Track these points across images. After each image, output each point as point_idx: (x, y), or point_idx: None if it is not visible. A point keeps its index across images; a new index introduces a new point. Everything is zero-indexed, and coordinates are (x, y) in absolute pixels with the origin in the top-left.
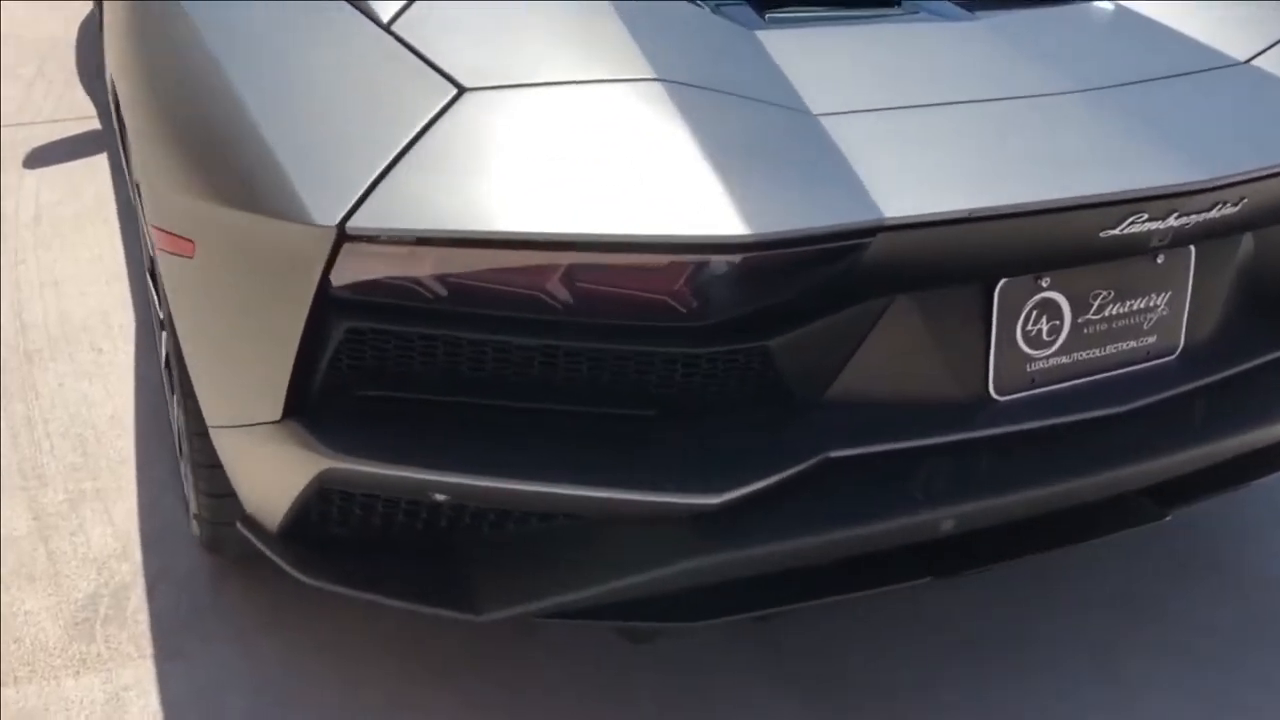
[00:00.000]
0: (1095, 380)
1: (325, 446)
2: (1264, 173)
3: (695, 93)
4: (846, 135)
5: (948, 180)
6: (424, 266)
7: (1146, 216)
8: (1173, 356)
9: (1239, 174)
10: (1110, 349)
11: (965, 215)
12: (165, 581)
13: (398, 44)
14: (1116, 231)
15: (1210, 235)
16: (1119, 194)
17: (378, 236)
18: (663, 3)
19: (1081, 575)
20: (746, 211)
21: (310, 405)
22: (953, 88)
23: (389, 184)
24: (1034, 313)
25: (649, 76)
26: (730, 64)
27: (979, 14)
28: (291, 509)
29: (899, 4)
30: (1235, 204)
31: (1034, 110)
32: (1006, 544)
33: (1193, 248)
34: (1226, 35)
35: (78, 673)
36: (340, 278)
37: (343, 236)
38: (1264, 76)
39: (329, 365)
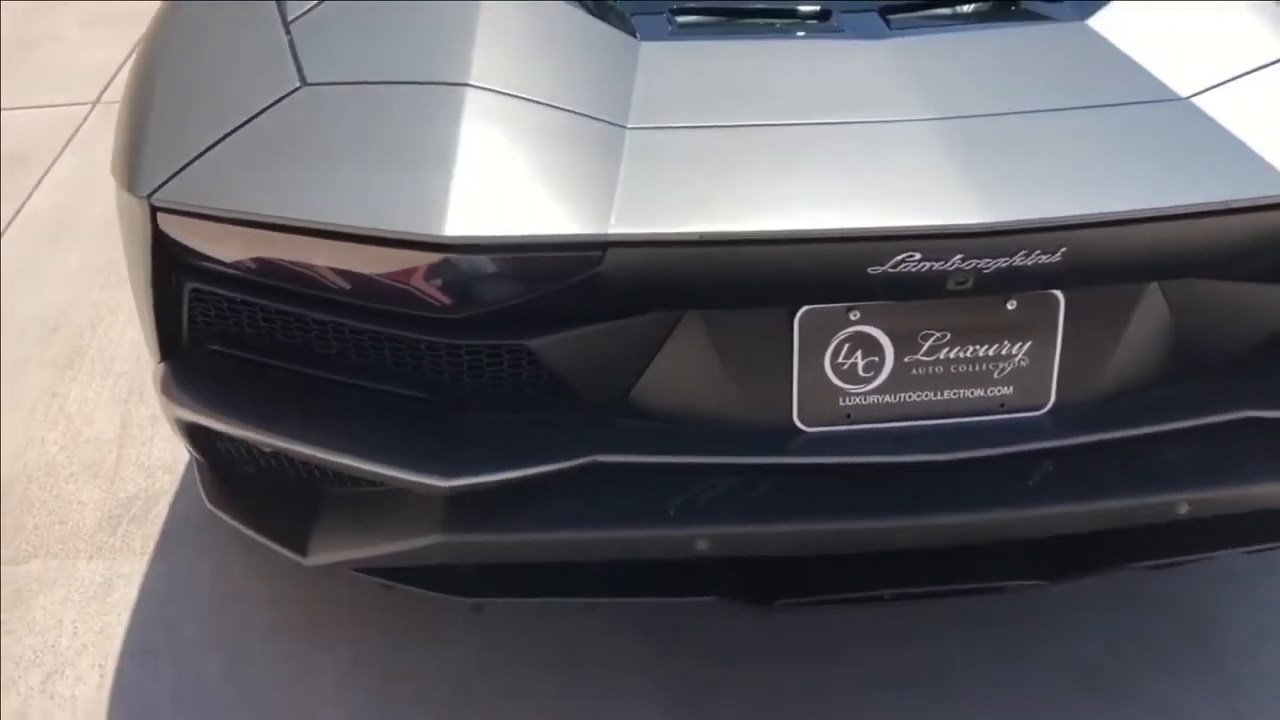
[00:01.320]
0: (927, 425)
1: (173, 395)
2: (1070, 222)
3: (501, 100)
4: (643, 151)
5: (707, 202)
6: (224, 241)
7: (920, 256)
8: (1040, 411)
9: (1028, 222)
10: (948, 394)
11: (694, 238)
12: (186, 497)
13: (286, 40)
14: (888, 269)
15: (1051, 283)
16: (877, 230)
17: (178, 209)
18: (549, 10)
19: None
20: (453, 213)
21: (174, 357)
22: (799, 110)
23: (203, 163)
24: (846, 346)
25: (463, 82)
26: (574, 74)
27: (899, 34)
28: (189, 445)
29: (828, 18)
30: (1052, 252)
31: (866, 138)
32: (844, 581)
33: (1060, 295)
34: (1183, 66)
35: (91, 557)
36: (161, 245)
37: (153, 208)
38: (1184, 116)
39: (188, 322)
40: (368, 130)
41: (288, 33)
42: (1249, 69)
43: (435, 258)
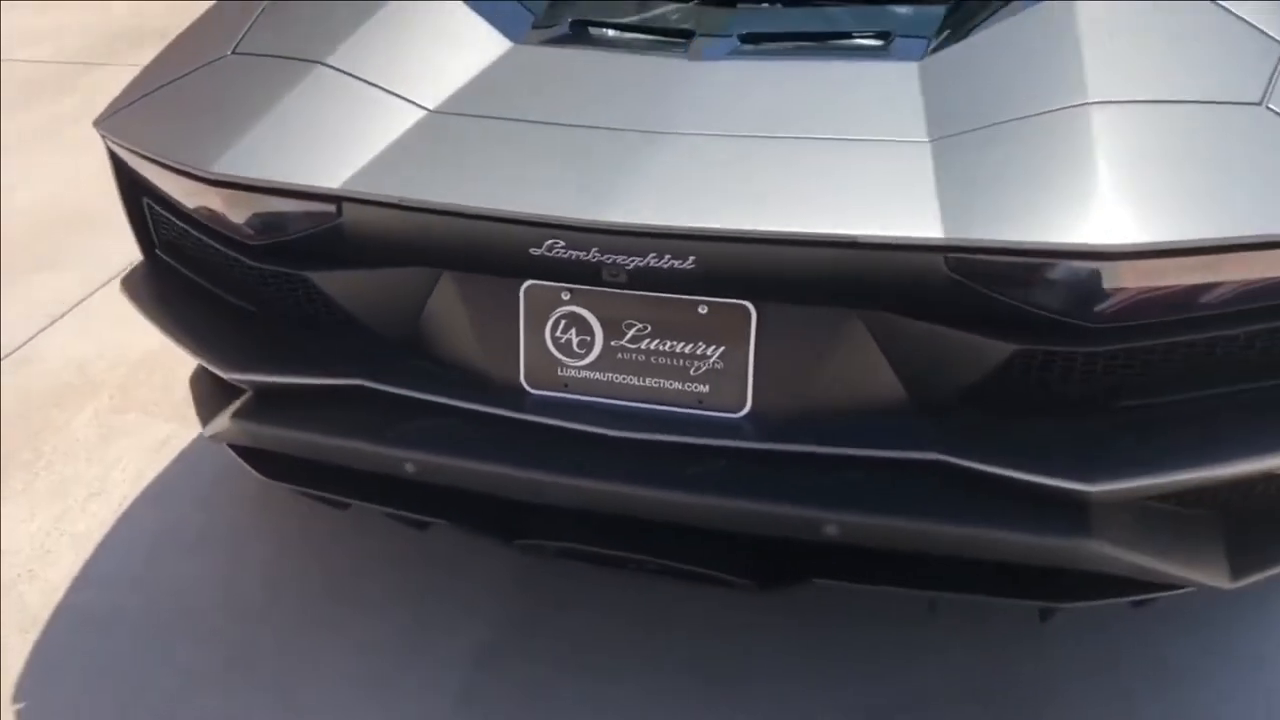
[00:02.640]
0: (632, 406)
1: (127, 288)
2: (700, 233)
3: (334, 76)
4: (423, 129)
5: (446, 177)
6: (140, 166)
7: (564, 244)
8: (736, 414)
9: (654, 227)
10: (650, 381)
11: (396, 202)
12: None
13: (253, 19)
14: (543, 252)
15: (742, 294)
16: (531, 216)
17: (108, 138)
18: (447, 10)
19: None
20: (228, 156)
21: (149, 259)
22: (582, 113)
23: (136, 106)
24: (562, 322)
25: (315, 59)
26: (424, 64)
27: (733, 59)
28: None
29: (689, 38)
30: (682, 260)
31: (612, 140)
32: (582, 536)
33: (751, 307)
34: (960, 110)
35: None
36: (116, 164)
37: (101, 135)
38: (912, 158)
39: (153, 231)
40: (244, 91)
41: (261, 14)
42: (1014, 117)
43: (219, 192)
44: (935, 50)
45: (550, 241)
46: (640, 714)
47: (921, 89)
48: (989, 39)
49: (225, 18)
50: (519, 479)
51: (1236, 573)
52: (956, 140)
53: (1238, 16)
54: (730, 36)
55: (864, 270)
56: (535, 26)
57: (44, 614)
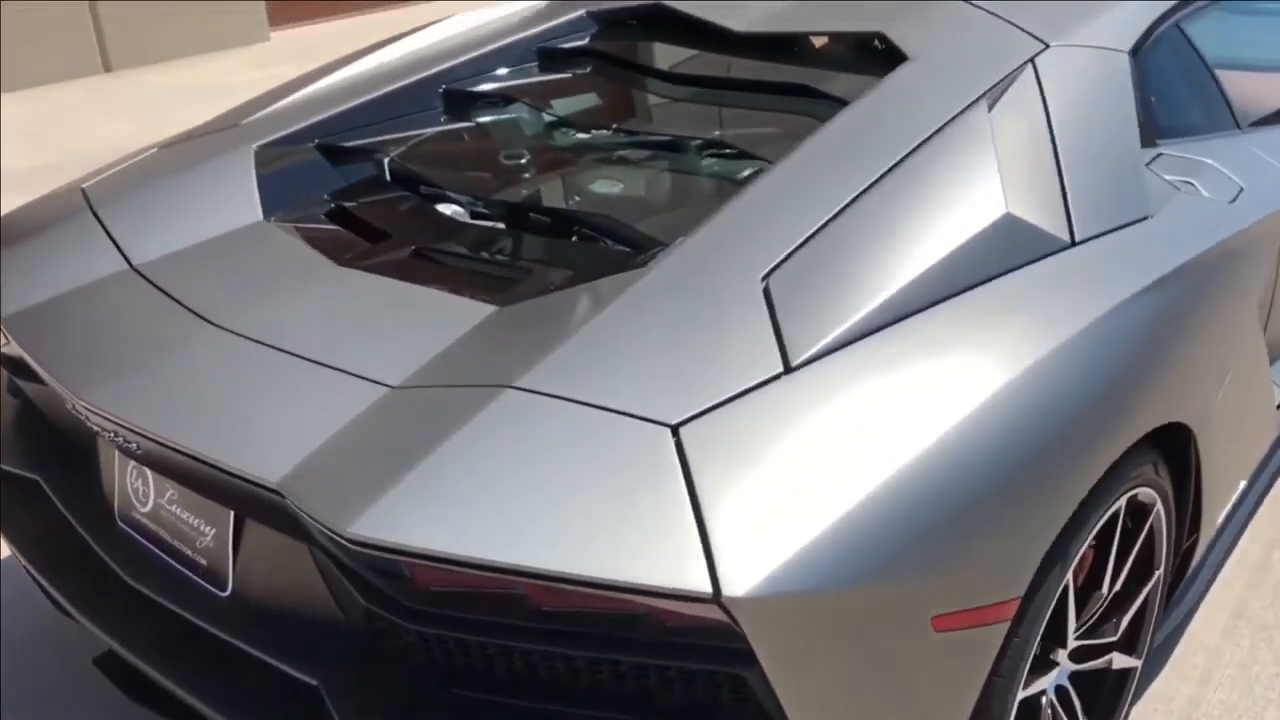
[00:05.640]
0: (165, 560)
1: None
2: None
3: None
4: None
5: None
6: None
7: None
8: (224, 592)
9: (113, 413)
10: (176, 542)
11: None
12: None
13: None
14: (83, 418)
15: (218, 494)
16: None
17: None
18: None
19: None
20: None
21: None
22: (201, 298)
23: None
24: (134, 469)
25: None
26: (147, 219)
27: (380, 267)
28: None
29: (379, 240)
30: (134, 445)
31: (178, 327)
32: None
33: (229, 507)
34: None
35: None
36: None
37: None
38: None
39: None
40: None
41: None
42: (455, 383)
43: None
44: (527, 297)
45: (83, 410)
46: None
47: (469, 335)
48: (556, 303)
49: None
50: (95, 599)
51: None
52: (407, 394)
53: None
54: (406, 249)
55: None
56: (333, 196)
57: None
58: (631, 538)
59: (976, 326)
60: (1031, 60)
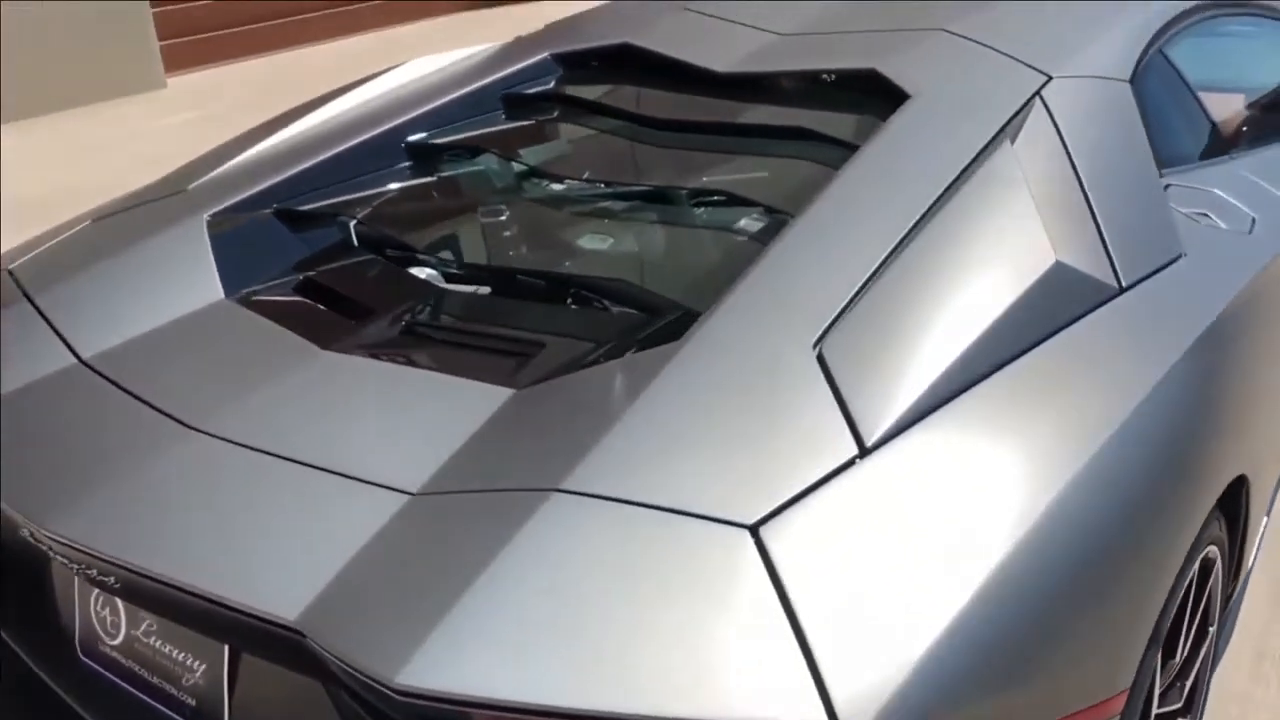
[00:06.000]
0: (143, 698)
1: None
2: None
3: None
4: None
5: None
6: None
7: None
8: None
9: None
10: (156, 680)
11: None
12: None
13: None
14: (53, 552)
15: (213, 629)
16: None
17: None
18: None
19: None
20: None
21: None
22: (167, 395)
23: None
24: (102, 599)
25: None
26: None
27: (373, 351)
28: None
29: (363, 318)
30: (109, 579)
31: (146, 433)
32: None
33: (226, 646)
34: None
35: None
36: None
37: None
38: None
39: None
40: None
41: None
42: (489, 487)
43: None
44: (546, 376)
45: (51, 541)
46: None
47: (489, 426)
48: (581, 384)
49: None
50: None
51: None
52: (433, 502)
53: None
54: (395, 326)
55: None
56: (298, 266)
57: None
58: (725, 666)
59: (1050, 391)
60: (1038, 94)
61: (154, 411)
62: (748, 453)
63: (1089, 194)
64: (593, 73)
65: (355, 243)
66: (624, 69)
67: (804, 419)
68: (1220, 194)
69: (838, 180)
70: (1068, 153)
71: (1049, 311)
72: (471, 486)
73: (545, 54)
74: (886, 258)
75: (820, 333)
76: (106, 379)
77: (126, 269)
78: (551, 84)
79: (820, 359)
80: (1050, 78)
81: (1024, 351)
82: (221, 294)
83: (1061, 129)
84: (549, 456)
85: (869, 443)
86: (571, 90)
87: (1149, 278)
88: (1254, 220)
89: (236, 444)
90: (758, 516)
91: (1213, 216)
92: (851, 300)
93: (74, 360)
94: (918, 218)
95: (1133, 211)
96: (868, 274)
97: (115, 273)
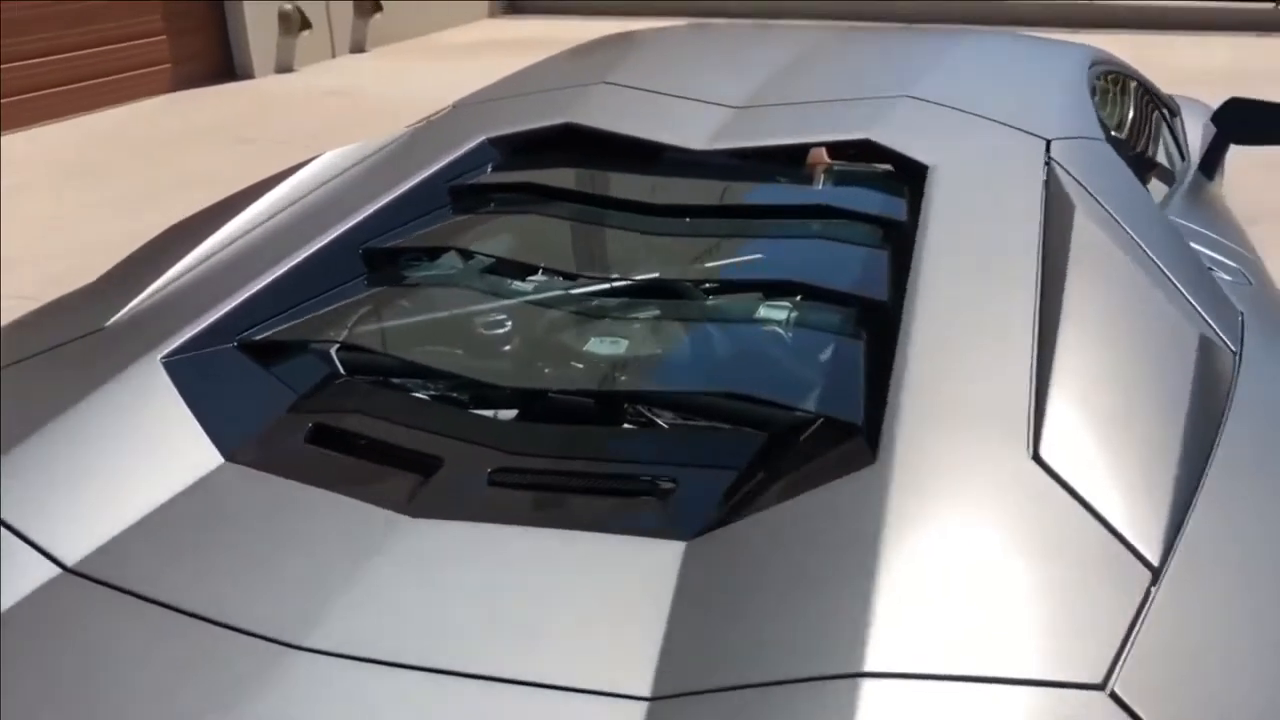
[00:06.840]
0: None
1: None
2: None
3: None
4: None
5: None
6: None
7: None
8: None
9: None
10: None
11: None
12: None
13: None
14: None
15: None
16: None
17: None
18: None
19: None
20: None
21: None
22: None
23: None
24: None
25: None
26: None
27: (477, 516)
28: None
29: (429, 473)
30: None
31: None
32: None
33: None
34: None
35: None
36: None
37: None
38: None
39: None
40: None
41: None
42: (761, 680)
43: None
44: (698, 524)
45: None
46: None
47: (674, 598)
48: (775, 525)
49: None
50: None
51: None
52: (686, 705)
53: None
54: (478, 476)
55: None
56: (294, 410)
57: None
58: None
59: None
60: (1048, 159)
61: (225, 631)
62: (1038, 594)
63: (1155, 258)
64: (547, 157)
65: (342, 372)
66: (576, 151)
67: (1079, 548)
68: (1201, 249)
69: (921, 264)
70: (1111, 216)
71: (1214, 389)
72: (726, 680)
73: (481, 138)
74: (1043, 348)
75: (1029, 437)
76: (112, 587)
77: (70, 436)
78: (497, 171)
79: (1044, 466)
80: (1048, 140)
81: (1218, 430)
82: (219, 457)
83: (1091, 191)
84: (803, 629)
85: (1155, 562)
86: (537, 177)
87: (1243, 338)
88: (1239, 270)
89: (367, 661)
90: (1102, 673)
91: (1218, 271)
92: (1038, 397)
93: (57, 569)
94: (1036, 300)
95: (1190, 272)
96: (1030, 367)
97: (57, 443)
